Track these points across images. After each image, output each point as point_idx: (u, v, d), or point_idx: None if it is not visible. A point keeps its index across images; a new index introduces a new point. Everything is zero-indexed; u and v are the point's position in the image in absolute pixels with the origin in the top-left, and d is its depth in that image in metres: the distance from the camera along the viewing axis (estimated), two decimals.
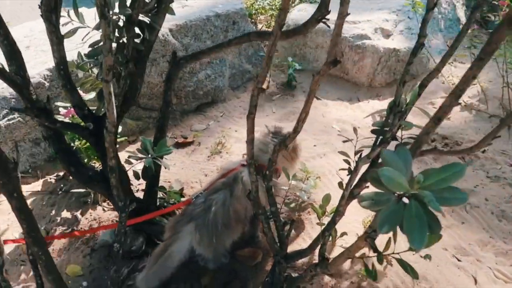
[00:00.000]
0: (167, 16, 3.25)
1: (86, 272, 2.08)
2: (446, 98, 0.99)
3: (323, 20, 1.68)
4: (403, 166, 0.82)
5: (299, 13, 3.93)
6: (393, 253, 1.69)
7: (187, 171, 2.70)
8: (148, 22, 1.88)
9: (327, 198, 2.17)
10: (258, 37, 2.28)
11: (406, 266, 1.45)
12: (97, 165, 2.51)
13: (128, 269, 2.11)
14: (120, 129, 2.63)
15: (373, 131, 1.51)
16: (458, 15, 4.68)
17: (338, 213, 1.35)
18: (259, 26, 4.44)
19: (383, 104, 3.46)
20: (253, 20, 4.24)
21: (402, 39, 3.67)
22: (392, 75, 3.63)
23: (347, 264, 2.06)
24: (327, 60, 1.15)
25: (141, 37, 1.89)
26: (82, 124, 1.88)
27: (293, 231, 2.28)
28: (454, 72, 3.79)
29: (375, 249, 1.27)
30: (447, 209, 2.32)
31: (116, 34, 1.74)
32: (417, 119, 2.10)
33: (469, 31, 4.20)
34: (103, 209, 2.44)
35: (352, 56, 3.55)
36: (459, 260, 2.04)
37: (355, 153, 1.61)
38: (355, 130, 1.76)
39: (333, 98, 3.52)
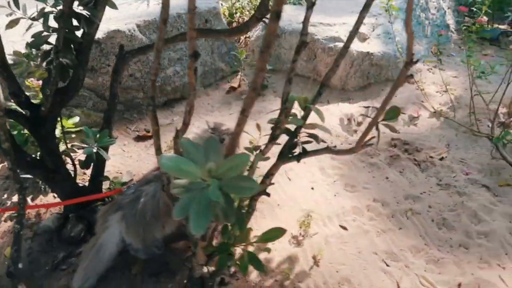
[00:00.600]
0: (135, 11, 3.32)
1: (24, 255, 2.14)
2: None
3: (263, 19, 1.75)
4: (202, 156, 0.83)
5: None
6: (246, 244, 1.64)
7: (141, 163, 2.76)
8: (86, 15, 1.94)
9: None
10: (203, 34, 2.32)
11: (253, 260, 1.44)
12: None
13: (65, 255, 2.17)
14: (77, 119, 2.71)
15: (272, 128, 1.53)
16: (448, 21, 4.61)
17: None
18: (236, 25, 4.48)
19: (352, 107, 3.44)
20: (234, 20, 4.28)
21: (378, 43, 3.64)
22: (365, 79, 3.61)
23: (274, 263, 2.07)
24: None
25: (82, 30, 1.95)
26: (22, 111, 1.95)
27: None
28: (431, 79, 3.74)
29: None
30: (387, 213, 2.30)
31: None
32: None
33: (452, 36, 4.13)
34: (54, 196, 2.51)
35: (324, 58, 3.55)
36: (387, 265, 2.02)
37: (255, 148, 1.62)
38: (258, 126, 1.78)
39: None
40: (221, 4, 4.27)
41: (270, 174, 1.62)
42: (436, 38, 4.36)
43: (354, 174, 2.62)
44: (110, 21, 3.00)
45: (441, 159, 2.77)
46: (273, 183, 1.96)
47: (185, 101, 3.40)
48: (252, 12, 4.26)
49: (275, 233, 1.42)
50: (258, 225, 2.29)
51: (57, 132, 2.33)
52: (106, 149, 2.18)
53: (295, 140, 1.55)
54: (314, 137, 1.47)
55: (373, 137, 1.38)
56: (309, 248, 2.12)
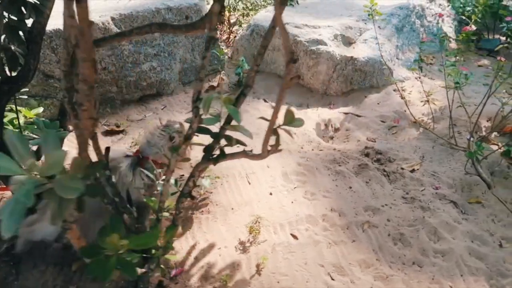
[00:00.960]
0: (111, 4, 3.28)
1: None
2: None
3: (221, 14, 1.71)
4: (24, 151, 0.77)
5: (266, 14, 3.88)
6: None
7: None
8: (33, 2, 1.90)
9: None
10: (159, 29, 2.25)
11: (125, 265, 1.31)
12: None
13: (7, 246, 2.13)
14: (41, 109, 2.68)
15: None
16: (444, 30, 4.46)
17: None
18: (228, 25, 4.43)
19: (332, 113, 3.34)
20: (224, 19, 4.22)
21: (364, 48, 3.53)
22: (348, 84, 3.50)
23: (216, 268, 1.99)
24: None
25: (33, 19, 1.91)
26: None
27: (180, 228, 2.24)
28: (418, 87, 3.61)
29: None
30: (342, 224, 2.20)
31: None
32: None
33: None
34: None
35: (307, 61, 3.45)
36: (332, 279, 1.92)
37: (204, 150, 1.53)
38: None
39: (289, 99, 3.43)
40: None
41: (191, 176, 1.55)
42: (432, 46, 4.23)
43: (317, 181, 2.52)
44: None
45: (412, 171, 2.65)
46: (197, 185, 1.87)
47: (161, 98, 3.36)
48: (242, 11, 4.20)
49: (146, 240, 1.33)
50: (208, 228, 2.22)
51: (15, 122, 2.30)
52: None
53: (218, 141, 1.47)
54: (228, 138, 1.39)
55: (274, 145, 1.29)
56: (254, 256, 2.03)
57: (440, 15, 4.21)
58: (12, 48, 1.97)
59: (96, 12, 3.03)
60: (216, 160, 1.41)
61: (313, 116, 3.28)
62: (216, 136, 1.44)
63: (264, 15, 3.83)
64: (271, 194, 2.43)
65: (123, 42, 3.02)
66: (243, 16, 4.20)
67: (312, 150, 2.86)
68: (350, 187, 2.49)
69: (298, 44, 3.42)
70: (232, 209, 2.32)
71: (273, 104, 3.34)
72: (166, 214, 1.66)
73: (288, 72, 1.04)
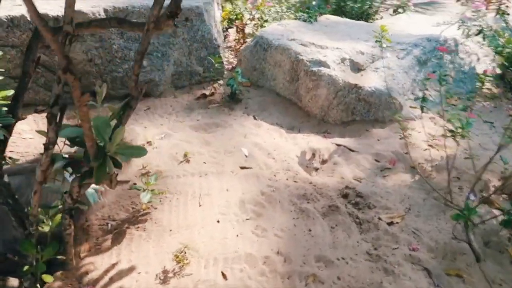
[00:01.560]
0: None
1: None
2: None
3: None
4: None
5: (276, 27, 3.65)
6: None
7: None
8: None
9: None
10: (117, 24, 2.09)
11: None
12: None
13: None
14: (12, 92, 2.60)
15: None
16: (478, 70, 4.00)
17: None
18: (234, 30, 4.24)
19: (323, 142, 3.02)
20: (233, 25, 4.04)
21: (373, 77, 3.20)
22: (350, 114, 3.18)
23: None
24: None
25: None
26: None
27: (109, 242, 2.03)
28: (429, 129, 3.21)
29: None
30: (284, 272, 1.90)
31: None
32: None
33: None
34: None
35: (306, 82, 3.17)
36: None
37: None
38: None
39: (272, 122, 3.16)
40: (221, 7, 4.06)
41: (69, 192, 1.34)
42: (460, 86, 3.82)
43: (274, 217, 2.23)
44: (78, 2, 2.88)
45: (391, 223, 2.29)
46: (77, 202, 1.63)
47: (148, 99, 3.20)
48: (251, 19, 4.00)
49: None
50: (137, 247, 2.00)
51: None
52: (5, 127, 1.97)
53: None
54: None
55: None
56: None
57: (443, 50, 3.80)
58: None
59: (90, 2, 2.94)
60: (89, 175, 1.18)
61: (301, 142, 2.98)
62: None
63: (274, 28, 3.60)
64: (218, 222, 2.17)
65: (85, 33, 2.90)
66: (259, 27, 4.00)
67: (286, 179, 2.57)
68: (310, 230, 2.17)
69: (299, 63, 3.16)
70: (171, 230, 2.09)
71: (263, 122, 3.09)
72: (46, 228, 1.45)
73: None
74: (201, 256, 1.94)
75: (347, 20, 4.19)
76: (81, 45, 2.89)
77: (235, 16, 3.93)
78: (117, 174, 1.98)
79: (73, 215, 1.37)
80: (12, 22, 2.72)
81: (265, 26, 3.87)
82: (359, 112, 3.17)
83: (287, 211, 2.29)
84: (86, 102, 0.83)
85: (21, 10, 2.78)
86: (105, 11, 2.92)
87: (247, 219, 2.20)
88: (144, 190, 2.12)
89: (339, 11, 5.17)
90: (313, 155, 2.94)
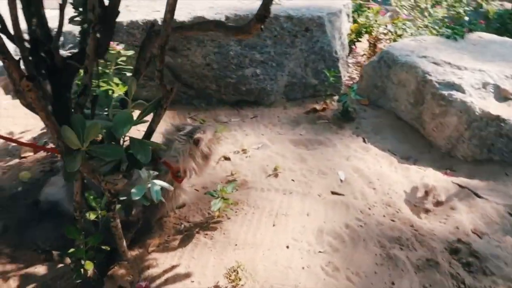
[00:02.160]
0: (228, 2, 3.27)
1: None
2: None
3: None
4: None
5: (407, 42, 3.21)
6: None
7: None
8: None
9: None
10: (215, 27, 2.10)
11: None
12: None
13: None
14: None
15: None
16: None
17: None
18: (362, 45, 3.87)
19: (444, 180, 2.50)
20: (359, 39, 3.71)
21: None
22: (485, 152, 2.58)
23: None
24: None
25: None
26: None
27: (177, 243, 2.02)
28: None
29: None
30: None
31: None
32: None
33: None
34: None
35: (432, 106, 2.69)
36: None
37: None
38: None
39: (384, 147, 2.77)
40: (351, 19, 3.77)
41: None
42: None
43: (353, 256, 1.90)
44: (205, 9, 3.04)
45: None
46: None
47: (257, 107, 3.19)
48: (384, 33, 3.64)
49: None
50: (199, 254, 1.93)
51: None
52: None
53: None
54: None
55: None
56: None
57: None
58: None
59: (212, 8, 3.06)
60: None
61: (414, 176, 2.53)
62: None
63: (405, 43, 3.18)
64: (287, 247, 1.95)
65: (188, 35, 2.96)
66: (392, 41, 3.61)
67: (382, 216, 2.19)
68: (393, 283, 1.78)
69: (426, 83, 2.70)
70: (236, 245, 1.97)
71: (372, 147, 2.75)
72: (92, 216, 1.47)
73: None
74: (257, 280, 1.76)
75: (507, 39, 3.46)
76: (201, 50, 3.03)
77: (365, 30, 3.63)
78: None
79: (111, 209, 1.36)
80: (147, 26, 3.01)
81: (397, 41, 3.48)
82: (499, 150, 2.55)
83: (371, 253, 1.93)
84: (30, 87, 0.78)
85: (156, 15, 3.06)
86: (226, 18, 3.00)
87: (320, 251, 1.93)
88: (217, 198, 2.05)
89: (502, 29, 4.36)
90: (426, 193, 2.46)
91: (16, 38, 1.74)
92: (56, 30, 1.85)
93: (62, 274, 1.82)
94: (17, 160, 2.61)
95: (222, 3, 3.40)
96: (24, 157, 2.66)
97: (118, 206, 1.50)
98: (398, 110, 3.01)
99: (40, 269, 1.87)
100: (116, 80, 2.68)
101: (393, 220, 2.17)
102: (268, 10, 1.65)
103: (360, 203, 2.26)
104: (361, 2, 3.77)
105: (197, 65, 3.08)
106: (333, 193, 2.33)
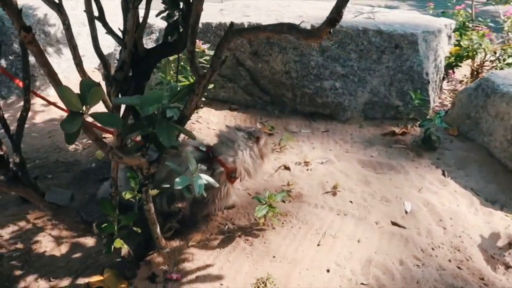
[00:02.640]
0: (319, 13, 3.18)
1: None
2: None
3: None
4: None
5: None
6: None
7: None
8: None
9: None
10: (287, 30, 2.07)
11: None
12: None
13: None
14: (211, 86, 2.93)
15: None
16: None
17: None
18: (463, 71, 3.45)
19: None
20: (459, 64, 3.30)
21: None
22: None
23: None
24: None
25: None
26: None
27: (216, 243, 1.99)
28: None
29: None
30: None
31: None
32: None
33: None
34: None
35: None
36: None
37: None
38: None
39: (466, 185, 2.41)
40: (453, 41, 3.39)
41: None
42: None
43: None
44: (293, 17, 3.02)
45: None
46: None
47: (330, 122, 3.06)
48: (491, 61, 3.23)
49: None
50: (234, 259, 1.88)
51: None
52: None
53: None
54: None
55: None
56: None
57: None
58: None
59: (303, 18, 3.02)
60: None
61: (497, 222, 2.17)
62: None
63: (510, 72, 2.76)
64: (328, 271, 1.79)
65: (260, 36, 2.89)
66: (498, 69, 3.18)
67: (448, 261, 1.91)
68: None
69: None
70: (274, 257, 1.87)
71: (453, 182, 2.44)
72: (128, 195, 1.48)
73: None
74: None
75: None
76: (282, 57, 3.00)
77: (466, 54, 3.25)
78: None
79: (143, 191, 1.36)
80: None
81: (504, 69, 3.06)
82: None
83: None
84: (29, 39, 0.77)
85: (245, 19, 3.11)
86: (312, 27, 2.93)
87: (363, 283, 1.73)
88: (263, 204, 1.97)
89: None
90: (510, 245, 2.09)
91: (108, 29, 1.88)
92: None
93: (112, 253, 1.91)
94: (122, 155, 2.82)
95: (313, 13, 3.34)
96: (104, 138, 2.88)
97: (155, 191, 1.51)
98: (491, 145, 2.63)
99: (89, 241, 1.99)
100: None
101: (459, 268, 1.87)
102: (340, 13, 1.54)
103: (423, 241, 2.00)
104: (467, 23, 3.40)
105: (276, 71, 3.06)
106: (393, 223, 2.10)
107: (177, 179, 1.49)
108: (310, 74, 3.00)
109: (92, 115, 0.83)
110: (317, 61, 2.97)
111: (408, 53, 2.90)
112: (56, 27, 3.39)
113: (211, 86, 2.96)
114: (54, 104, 2.17)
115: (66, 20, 1.01)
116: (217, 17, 3.21)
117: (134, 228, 1.50)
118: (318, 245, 1.93)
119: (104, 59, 1.44)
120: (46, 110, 3.19)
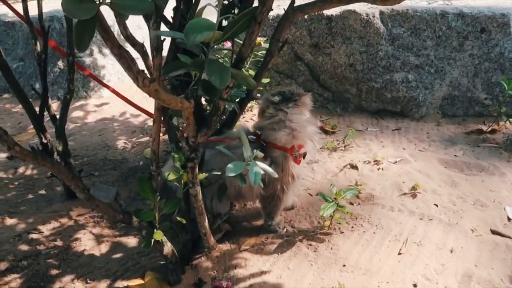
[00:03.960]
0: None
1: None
2: None
3: None
4: None
5: None
6: None
7: None
8: None
9: None
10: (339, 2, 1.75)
11: None
12: None
13: None
14: (267, 80, 2.69)
15: None
16: None
17: None
18: None
19: None
20: None
21: None
22: None
23: None
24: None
25: None
26: None
27: (274, 247, 1.69)
28: None
29: None
30: None
31: None
32: None
33: None
34: None
35: None
36: None
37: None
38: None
39: None
40: None
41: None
42: None
43: None
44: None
45: None
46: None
47: (402, 119, 2.71)
48: None
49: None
50: (295, 266, 1.57)
51: None
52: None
53: None
54: None
55: None
56: None
57: None
58: None
59: (368, 5, 2.71)
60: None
61: None
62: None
63: None
64: (415, 286, 1.42)
65: (323, 10, 2.57)
66: None
67: None
68: None
69: None
70: (344, 266, 1.54)
71: None
72: (171, 176, 1.24)
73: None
74: None
75: None
76: (346, 48, 2.70)
77: None
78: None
79: (188, 167, 1.11)
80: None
81: None
82: None
83: None
84: None
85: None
86: (381, 13, 2.61)
87: None
88: (330, 202, 1.65)
89: None
90: None
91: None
92: None
93: (149, 252, 1.69)
94: (147, 138, 2.68)
95: None
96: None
97: (203, 174, 1.26)
98: None
99: (131, 241, 1.79)
100: (251, 72, 2.55)
101: None
102: None
103: None
104: None
105: (339, 64, 2.76)
106: (493, 232, 1.68)
107: (229, 165, 1.23)
108: (378, 66, 2.66)
109: (111, 2, 0.58)
110: (387, 51, 2.63)
111: (497, 38, 2.47)
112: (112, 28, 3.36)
113: (266, 80, 2.72)
114: (114, 91, 1.93)
115: None
116: (274, 11, 3.00)
117: (178, 218, 1.25)
118: (399, 254, 1.57)
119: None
120: (99, 110, 3.12)
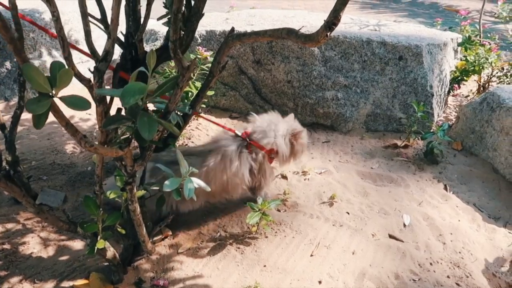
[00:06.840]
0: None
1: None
2: None
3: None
4: None
5: None
6: None
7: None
8: None
9: None
10: (286, 35, 2.04)
11: None
12: None
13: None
14: (212, 92, 2.91)
15: None
16: None
17: None
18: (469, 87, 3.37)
19: None
20: (465, 78, 3.24)
21: None
22: None
23: None
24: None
25: None
26: None
27: (207, 251, 1.94)
28: None
29: None
30: None
31: None
32: None
33: None
34: None
35: None
36: None
37: None
38: None
39: (469, 200, 2.34)
40: (459, 55, 3.34)
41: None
42: None
43: None
44: (296, 27, 3.00)
45: None
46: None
47: (331, 133, 3.02)
48: (498, 77, 3.17)
49: None
50: (223, 267, 1.82)
51: None
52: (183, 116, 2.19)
53: None
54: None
55: None
56: None
57: None
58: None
59: (311, 28, 3.00)
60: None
61: (501, 240, 2.09)
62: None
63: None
64: (320, 282, 1.73)
65: (259, 41, 2.86)
66: (505, 84, 3.11)
67: (446, 277, 1.83)
68: None
69: None
70: (264, 266, 1.81)
71: (454, 197, 2.36)
72: (112, 195, 1.45)
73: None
74: None
75: None
76: (285, 66, 2.98)
77: (473, 69, 3.19)
78: None
79: (126, 189, 1.32)
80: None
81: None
82: None
83: None
84: None
85: (249, 28, 3.10)
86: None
87: None
88: (256, 211, 1.92)
89: None
90: None
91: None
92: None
93: (94, 254, 1.87)
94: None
95: (318, 24, 3.32)
96: None
97: (141, 191, 1.47)
98: (495, 161, 2.55)
99: (77, 244, 1.95)
100: (198, 84, 2.76)
101: (458, 284, 1.79)
102: (338, 17, 1.51)
103: (420, 255, 1.92)
104: (473, 37, 3.34)
105: (279, 80, 3.03)
106: (391, 236, 2.03)
107: (166, 182, 1.44)
108: (312, 84, 2.97)
109: (62, 99, 0.80)
110: (320, 71, 2.94)
111: (412, 65, 2.86)
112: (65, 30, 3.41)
113: (211, 93, 2.94)
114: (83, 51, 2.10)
115: (55, 11, 1.00)
116: (222, 26, 3.22)
117: (119, 229, 1.46)
118: (311, 255, 1.87)
119: (96, 55, 1.43)
120: None
